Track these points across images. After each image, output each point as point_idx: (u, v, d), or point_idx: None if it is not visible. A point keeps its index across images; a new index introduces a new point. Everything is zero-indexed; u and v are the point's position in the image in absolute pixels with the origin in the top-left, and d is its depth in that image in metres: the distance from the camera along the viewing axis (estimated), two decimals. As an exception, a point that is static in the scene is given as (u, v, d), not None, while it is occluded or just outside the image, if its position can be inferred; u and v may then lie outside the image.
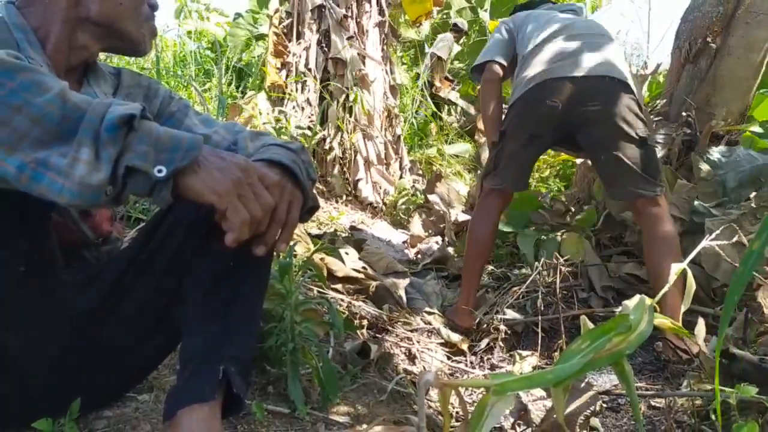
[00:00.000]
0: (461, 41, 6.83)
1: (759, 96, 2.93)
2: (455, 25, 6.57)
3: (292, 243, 1.58)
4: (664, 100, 2.78)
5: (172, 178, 0.70)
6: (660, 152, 2.44)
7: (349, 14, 4.39)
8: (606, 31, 2.11)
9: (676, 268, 0.83)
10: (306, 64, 4.26)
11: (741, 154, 2.42)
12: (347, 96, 4.17)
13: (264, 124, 3.75)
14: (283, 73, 4.29)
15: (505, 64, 2.18)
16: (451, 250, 3.00)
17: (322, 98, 4.24)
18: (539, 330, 1.85)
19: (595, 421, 1.34)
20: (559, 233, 2.57)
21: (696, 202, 2.20)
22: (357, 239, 2.78)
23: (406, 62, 6.63)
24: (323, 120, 4.15)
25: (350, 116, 4.19)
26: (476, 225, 2.15)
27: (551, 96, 1.90)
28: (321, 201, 3.47)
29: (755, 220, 1.99)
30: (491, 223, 2.11)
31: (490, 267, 2.60)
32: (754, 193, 2.18)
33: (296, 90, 4.21)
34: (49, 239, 0.88)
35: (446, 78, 6.34)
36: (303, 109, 4.15)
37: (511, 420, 1.35)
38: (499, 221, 2.16)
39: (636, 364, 1.80)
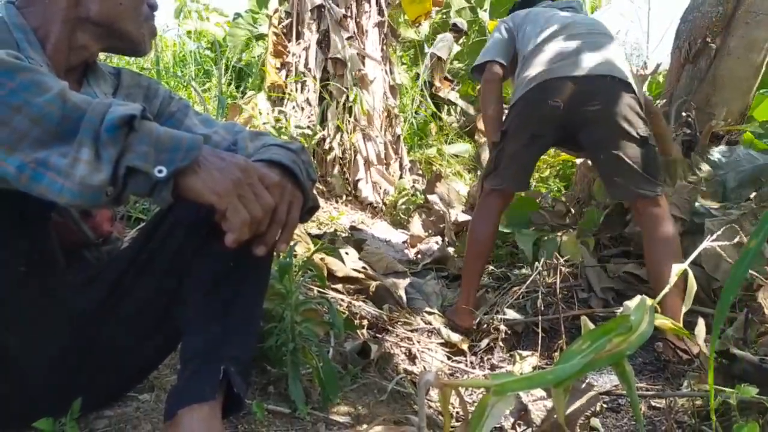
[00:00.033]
0: (461, 41, 6.84)
1: (759, 96, 2.93)
2: (455, 25, 6.57)
3: (292, 243, 1.58)
4: (664, 100, 2.79)
5: (173, 178, 0.70)
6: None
7: (349, 14, 4.39)
8: (607, 30, 2.11)
9: (676, 269, 0.83)
10: (306, 64, 4.26)
11: (741, 154, 2.42)
12: (347, 96, 4.17)
13: (264, 124, 3.75)
14: (283, 73, 4.29)
15: (505, 63, 2.17)
16: (451, 250, 3.00)
17: (321, 98, 4.24)
18: (539, 330, 1.85)
19: (595, 422, 1.34)
20: (559, 233, 2.57)
21: (696, 203, 2.20)
22: (357, 239, 2.78)
23: (406, 62, 6.63)
24: (323, 120, 4.15)
25: (350, 116, 4.19)
26: (477, 225, 2.15)
27: (553, 96, 1.90)
28: (321, 201, 3.47)
29: (755, 220, 1.99)
30: (492, 223, 2.11)
31: (490, 267, 2.60)
32: (754, 194, 2.18)
33: (296, 90, 4.21)
34: (49, 239, 0.88)
35: (446, 78, 6.34)
36: (303, 109, 4.15)
37: (512, 420, 1.35)
38: (499, 221, 2.16)
39: (636, 364, 1.80)
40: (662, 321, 0.74)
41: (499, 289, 2.35)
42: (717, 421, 1.04)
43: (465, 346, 1.94)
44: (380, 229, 3.68)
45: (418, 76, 6.02)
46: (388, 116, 4.52)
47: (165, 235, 0.94)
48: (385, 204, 4.22)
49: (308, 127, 3.98)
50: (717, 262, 1.93)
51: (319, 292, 1.80)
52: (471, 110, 6.06)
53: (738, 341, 1.48)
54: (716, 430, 0.95)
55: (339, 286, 1.99)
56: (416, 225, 3.56)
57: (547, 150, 2.42)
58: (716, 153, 2.42)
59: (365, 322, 1.83)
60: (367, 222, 3.89)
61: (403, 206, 4.09)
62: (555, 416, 1.20)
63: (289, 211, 0.84)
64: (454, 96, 6.23)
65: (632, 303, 0.67)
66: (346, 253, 2.23)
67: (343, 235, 3.03)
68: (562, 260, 1.92)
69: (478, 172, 4.68)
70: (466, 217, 3.29)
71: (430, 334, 1.99)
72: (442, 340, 1.95)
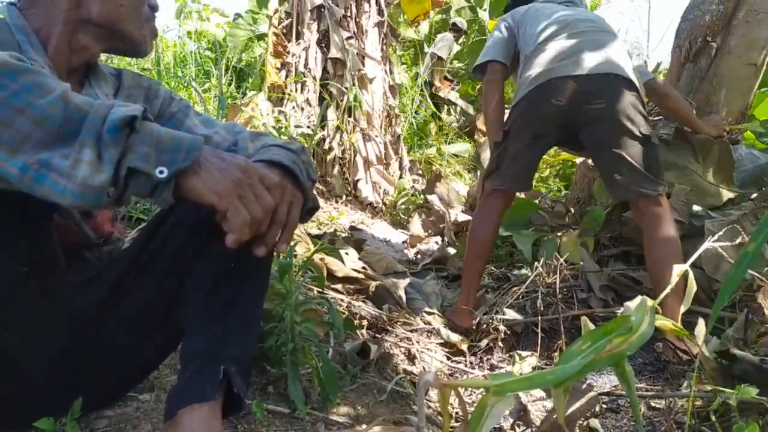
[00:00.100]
0: (460, 41, 6.84)
1: (760, 95, 2.93)
2: (454, 24, 6.57)
3: (292, 243, 1.58)
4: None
5: (174, 178, 0.70)
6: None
7: (348, 14, 4.39)
8: (608, 27, 2.09)
9: (677, 270, 0.83)
10: (305, 65, 4.26)
11: (743, 153, 2.42)
12: (347, 96, 4.17)
13: (264, 124, 3.75)
14: (283, 73, 4.29)
15: (506, 63, 2.16)
16: (450, 250, 3.00)
17: (321, 98, 4.24)
18: (539, 330, 1.85)
19: (595, 422, 1.34)
20: (558, 234, 2.57)
21: (695, 206, 2.19)
22: (357, 239, 2.78)
23: (406, 62, 6.63)
24: (323, 120, 4.15)
25: (350, 116, 4.20)
26: (477, 225, 2.14)
27: (556, 95, 1.89)
28: (321, 201, 3.47)
29: (756, 220, 1.99)
30: (492, 223, 2.11)
31: (490, 267, 2.60)
32: (755, 194, 2.18)
33: (296, 90, 4.22)
34: (50, 240, 0.88)
35: (446, 78, 6.34)
36: (303, 109, 4.16)
37: (511, 421, 1.35)
38: (500, 222, 2.15)
39: (636, 364, 1.80)
40: (662, 322, 0.74)
41: (498, 290, 2.35)
42: (717, 422, 1.04)
43: (464, 347, 1.94)
44: (380, 229, 3.68)
45: (417, 75, 6.02)
46: (387, 116, 4.52)
47: (166, 236, 0.94)
48: (384, 204, 4.22)
49: (308, 127, 3.98)
50: (717, 263, 1.93)
51: (318, 292, 1.80)
52: (471, 110, 6.06)
53: (738, 341, 1.48)
54: (716, 430, 0.95)
55: (339, 286, 1.99)
56: (416, 225, 3.56)
57: (549, 150, 2.41)
58: (717, 153, 2.42)
59: (365, 322, 1.83)
60: (367, 222, 3.89)
61: (403, 206, 4.09)
62: (555, 417, 1.20)
63: (289, 211, 0.84)
64: (454, 96, 6.23)
65: (633, 304, 0.67)
66: (346, 253, 2.23)
67: (343, 235, 3.03)
68: (562, 260, 1.92)
69: (478, 172, 4.69)
70: (466, 217, 3.29)
71: (429, 334, 1.99)
72: (442, 341, 1.95)
